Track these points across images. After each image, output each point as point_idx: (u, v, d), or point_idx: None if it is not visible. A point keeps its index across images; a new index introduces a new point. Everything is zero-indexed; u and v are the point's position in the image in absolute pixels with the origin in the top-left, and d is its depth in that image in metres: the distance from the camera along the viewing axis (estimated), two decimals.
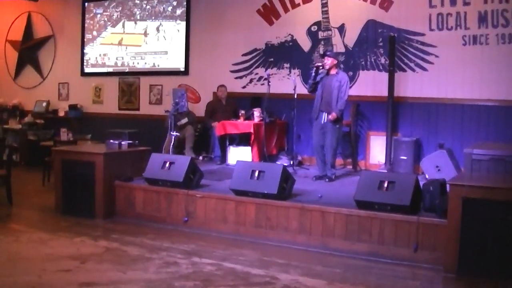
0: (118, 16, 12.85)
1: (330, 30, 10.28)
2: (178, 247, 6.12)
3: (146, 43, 12.47)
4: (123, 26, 12.78)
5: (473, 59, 9.06)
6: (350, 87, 9.54)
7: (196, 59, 11.81)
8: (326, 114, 8.13)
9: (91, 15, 13.21)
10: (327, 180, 8.22)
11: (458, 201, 5.27)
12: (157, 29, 12.28)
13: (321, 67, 8.23)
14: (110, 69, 12.98)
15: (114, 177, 7.60)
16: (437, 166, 8.27)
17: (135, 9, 12.61)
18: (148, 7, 12.42)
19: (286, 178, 6.71)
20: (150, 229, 6.94)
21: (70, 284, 4.82)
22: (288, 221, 6.42)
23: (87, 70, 13.32)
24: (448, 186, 5.55)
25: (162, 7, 12.21)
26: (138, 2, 12.56)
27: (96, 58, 13.17)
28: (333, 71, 8.22)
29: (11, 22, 14.28)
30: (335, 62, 8.30)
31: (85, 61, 13.32)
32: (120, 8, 12.80)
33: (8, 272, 5.10)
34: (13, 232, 6.59)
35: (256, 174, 6.73)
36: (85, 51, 13.32)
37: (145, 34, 12.46)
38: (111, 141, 8.07)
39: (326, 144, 8.24)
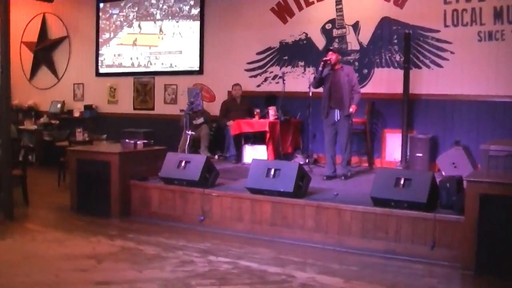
0: (134, 16, 12.88)
1: (345, 27, 10.23)
2: (194, 246, 6.12)
3: (162, 40, 12.47)
4: (139, 27, 12.81)
5: (488, 55, 8.96)
6: (365, 85, 9.61)
7: (211, 58, 11.81)
8: (338, 111, 8.08)
9: (107, 15, 13.25)
10: (343, 178, 8.18)
11: (475, 198, 5.22)
12: (173, 28, 12.30)
13: (328, 61, 8.21)
14: (125, 69, 13.02)
15: (130, 176, 7.62)
16: (453, 163, 8.23)
17: (152, 9, 12.62)
18: (164, 7, 12.43)
19: (302, 176, 6.69)
20: (166, 228, 6.94)
21: (87, 284, 4.83)
22: (304, 219, 6.41)
23: (102, 70, 13.39)
24: (465, 182, 5.51)
25: (178, 7, 12.22)
26: (155, 2, 12.58)
27: (112, 58, 13.22)
28: (337, 66, 8.24)
29: (26, 23, 14.36)
30: (339, 57, 8.38)
31: (100, 61, 13.38)
32: (136, 9, 12.82)
33: (24, 271, 5.12)
34: (29, 232, 6.63)
35: (272, 172, 6.71)
36: (100, 51, 13.37)
37: (161, 33, 12.48)
38: (126, 140, 8.11)
39: (340, 142, 8.20)
